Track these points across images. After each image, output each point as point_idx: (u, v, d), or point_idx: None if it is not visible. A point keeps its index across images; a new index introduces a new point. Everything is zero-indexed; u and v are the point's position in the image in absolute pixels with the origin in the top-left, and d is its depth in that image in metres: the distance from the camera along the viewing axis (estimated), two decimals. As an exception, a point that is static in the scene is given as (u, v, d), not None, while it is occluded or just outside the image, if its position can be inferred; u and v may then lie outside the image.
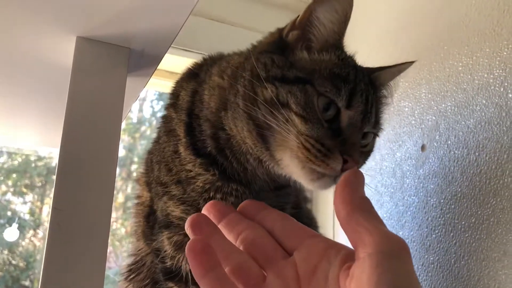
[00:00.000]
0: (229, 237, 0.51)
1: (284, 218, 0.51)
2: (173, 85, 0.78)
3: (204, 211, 0.53)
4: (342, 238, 0.69)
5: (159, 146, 0.75)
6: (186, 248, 0.47)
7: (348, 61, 0.62)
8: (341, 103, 0.57)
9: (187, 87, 0.73)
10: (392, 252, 0.38)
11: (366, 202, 0.44)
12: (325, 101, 0.57)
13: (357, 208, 0.43)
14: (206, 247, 0.47)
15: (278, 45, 0.64)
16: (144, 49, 0.65)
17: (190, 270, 0.71)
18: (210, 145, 0.67)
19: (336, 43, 0.62)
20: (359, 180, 0.46)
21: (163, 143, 0.73)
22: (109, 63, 0.62)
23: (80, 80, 0.61)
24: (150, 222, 0.79)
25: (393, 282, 0.36)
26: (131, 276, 0.83)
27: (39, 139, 1.13)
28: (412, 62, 0.72)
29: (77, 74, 0.61)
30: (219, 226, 0.52)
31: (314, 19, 0.61)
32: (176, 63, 1.15)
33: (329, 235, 1.21)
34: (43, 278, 0.53)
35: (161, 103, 2.57)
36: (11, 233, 1.99)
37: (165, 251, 0.72)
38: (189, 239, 0.70)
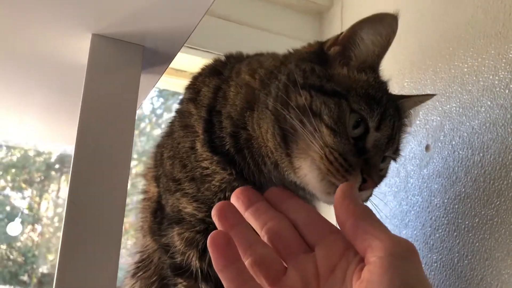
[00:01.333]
0: (255, 225, 0.52)
1: (308, 210, 0.51)
2: (193, 80, 0.78)
3: (233, 196, 0.54)
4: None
5: (173, 141, 0.74)
6: (208, 239, 0.47)
7: (382, 86, 0.63)
8: (372, 124, 0.58)
9: (210, 83, 0.73)
10: (402, 255, 0.39)
11: (368, 211, 0.45)
12: (356, 119, 0.58)
13: (361, 217, 0.44)
14: (227, 241, 0.47)
15: (318, 56, 0.65)
16: (158, 47, 0.66)
17: (200, 267, 0.72)
18: (228, 143, 0.67)
19: (373, 66, 0.63)
20: (355, 191, 0.47)
21: (178, 137, 0.73)
22: (123, 60, 0.63)
23: (95, 77, 0.61)
24: (158, 217, 0.79)
25: (405, 283, 0.37)
26: (139, 274, 0.83)
27: (48, 135, 1.14)
28: (433, 95, 0.79)
29: (92, 71, 0.61)
30: (246, 214, 0.52)
31: (357, 38, 0.62)
32: (180, 60, 1.16)
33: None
34: (58, 270, 0.54)
35: (161, 100, 2.57)
36: (14, 228, 1.99)
37: (175, 247, 0.73)
38: (200, 236, 0.71)
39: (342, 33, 0.63)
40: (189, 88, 0.77)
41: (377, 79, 0.63)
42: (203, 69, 0.78)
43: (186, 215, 0.70)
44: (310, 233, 0.49)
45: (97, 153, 0.60)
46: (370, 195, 0.63)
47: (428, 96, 0.75)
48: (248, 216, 0.52)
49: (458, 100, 0.87)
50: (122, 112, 0.62)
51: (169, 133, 0.78)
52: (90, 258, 0.56)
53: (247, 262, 0.47)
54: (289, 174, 0.61)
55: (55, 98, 0.87)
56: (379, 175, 0.62)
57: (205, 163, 0.67)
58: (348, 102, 0.57)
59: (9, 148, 2.29)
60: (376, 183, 0.59)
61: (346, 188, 0.47)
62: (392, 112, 0.61)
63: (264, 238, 0.50)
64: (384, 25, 0.61)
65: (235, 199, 0.53)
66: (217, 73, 0.75)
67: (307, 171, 0.57)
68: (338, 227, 0.49)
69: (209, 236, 0.48)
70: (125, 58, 0.63)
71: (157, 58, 0.69)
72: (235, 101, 0.68)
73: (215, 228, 0.70)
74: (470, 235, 0.80)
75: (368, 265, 0.40)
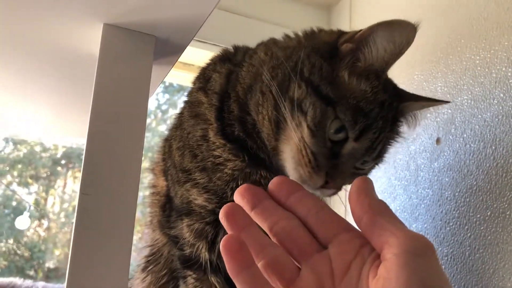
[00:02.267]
0: (263, 226, 0.50)
1: (319, 206, 0.50)
2: (202, 70, 0.78)
3: (237, 195, 0.52)
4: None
5: (182, 131, 0.74)
6: (221, 245, 0.46)
7: (378, 97, 0.61)
8: (351, 135, 0.59)
9: (221, 69, 0.73)
10: (418, 251, 0.39)
11: (384, 206, 0.44)
12: (338, 126, 0.59)
13: (378, 212, 0.43)
14: (241, 246, 0.46)
15: (331, 50, 0.64)
16: (169, 37, 0.65)
17: (209, 258, 0.72)
18: (237, 129, 0.67)
19: (378, 72, 0.62)
20: (371, 185, 0.47)
21: (187, 127, 0.73)
22: (135, 50, 0.63)
23: (107, 68, 0.61)
24: (166, 211, 0.79)
25: (423, 280, 0.37)
26: (149, 268, 0.83)
27: (57, 128, 1.14)
28: (446, 102, 0.77)
29: (104, 62, 0.61)
30: (252, 213, 0.51)
31: (371, 40, 0.61)
32: (187, 54, 1.15)
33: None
34: (71, 261, 0.54)
35: (167, 96, 2.57)
36: (22, 221, 2.00)
37: (184, 239, 0.72)
38: (209, 227, 0.71)
39: (359, 31, 0.62)
40: (198, 78, 0.77)
41: (375, 88, 0.61)
42: (212, 59, 0.78)
43: (196, 207, 0.70)
44: (322, 231, 0.48)
45: (109, 143, 0.59)
46: (334, 194, 0.63)
47: (439, 102, 0.73)
48: (254, 216, 0.51)
49: (469, 93, 0.86)
50: (134, 103, 0.62)
51: (177, 125, 0.78)
52: (102, 251, 0.56)
53: (259, 265, 0.47)
54: (277, 158, 0.64)
55: (65, 90, 0.86)
56: (354, 174, 0.63)
57: (217, 151, 0.67)
58: (335, 110, 0.59)
59: (15, 144, 2.30)
60: (338, 187, 0.61)
61: (361, 182, 0.46)
62: (382, 124, 0.60)
63: (274, 239, 0.49)
64: (400, 33, 0.59)
65: (240, 198, 0.52)
66: (228, 60, 0.75)
67: (286, 156, 0.61)
68: (350, 223, 0.48)
69: (221, 241, 0.47)
70: (137, 48, 0.63)
71: (169, 48, 0.68)
72: (245, 80, 0.68)
73: None
74: (481, 228, 0.79)
75: (385, 262, 0.40)
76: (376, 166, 0.69)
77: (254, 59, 0.69)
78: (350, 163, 0.60)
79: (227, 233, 0.71)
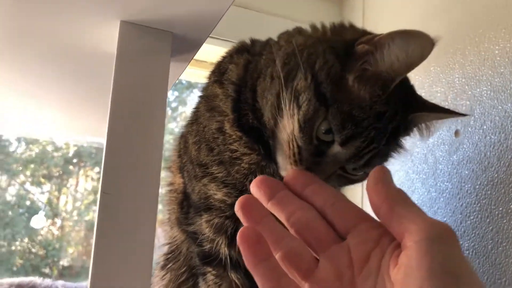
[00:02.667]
0: (280, 217, 0.50)
1: (336, 196, 0.50)
2: (217, 64, 0.77)
3: (253, 187, 0.52)
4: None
5: (198, 126, 0.74)
6: (238, 236, 0.46)
7: (376, 107, 0.58)
8: (337, 139, 0.58)
9: (238, 60, 0.73)
10: (439, 238, 0.38)
11: (403, 194, 0.44)
12: (327, 127, 0.58)
13: (396, 201, 0.43)
14: (258, 238, 0.46)
15: (347, 47, 0.62)
16: (186, 33, 0.65)
17: (228, 254, 0.71)
18: (251, 117, 0.67)
19: (385, 81, 0.58)
20: (388, 174, 0.46)
21: (203, 121, 0.73)
22: (152, 47, 0.62)
23: (125, 65, 0.61)
24: (184, 208, 0.79)
25: (446, 266, 0.36)
26: (168, 265, 0.83)
27: (74, 127, 1.14)
28: (464, 115, 0.74)
29: (122, 59, 0.60)
30: (269, 205, 0.50)
31: (386, 46, 0.58)
32: (200, 50, 1.15)
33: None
34: (94, 260, 0.54)
35: (176, 93, 2.58)
36: (38, 220, 2.02)
37: (203, 234, 0.72)
38: (229, 222, 0.71)
39: (380, 34, 0.60)
40: (213, 72, 0.77)
41: (376, 98, 0.58)
42: (228, 52, 0.78)
43: (216, 201, 0.70)
44: (340, 221, 0.48)
45: (129, 141, 0.59)
46: None
47: (455, 114, 0.67)
48: (271, 207, 0.50)
49: (489, 84, 0.84)
50: (153, 100, 0.61)
51: (193, 120, 0.78)
52: (124, 249, 0.56)
53: (277, 257, 0.46)
54: (273, 141, 0.64)
55: (81, 88, 0.87)
56: (327, 180, 0.60)
57: (234, 145, 0.67)
58: (327, 111, 0.57)
59: (27, 143, 2.32)
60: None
61: (378, 172, 0.46)
62: (373, 135, 0.58)
63: (291, 230, 0.48)
64: (416, 44, 0.55)
65: (256, 189, 0.52)
66: (246, 51, 0.75)
67: (278, 143, 0.62)
68: (368, 213, 0.48)
69: (238, 233, 0.46)
70: (154, 45, 0.62)
71: (186, 45, 0.68)
72: (262, 67, 0.68)
73: None
74: (504, 221, 0.78)
75: (405, 250, 0.39)
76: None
77: (274, 47, 0.68)
78: (333, 165, 0.59)
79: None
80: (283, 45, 0.67)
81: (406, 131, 0.65)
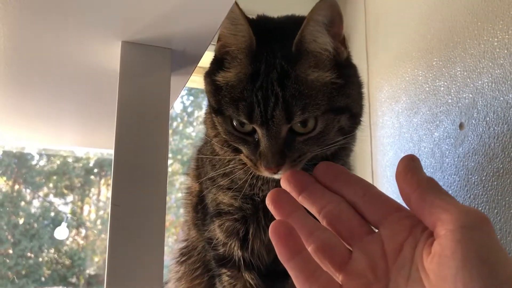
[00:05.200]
0: (311, 210, 0.50)
1: (366, 187, 0.49)
2: None
3: (283, 181, 0.52)
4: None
5: (206, 147, 0.80)
6: (269, 230, 0.46)
7: (241, 75, 0.61)
8: (246, 121, 0.59)
9: None
10: (474, 225, 0.37)
11: (433, 182, 0.43)
12: (237, 122, 0.61)
13: (426, 189, 0.42)
14: (290, 231, 0.46)
15: (214, 61, 0.67)
16: (185, 48, 0.68)
17: (242, 256, 0.74)
18: None
19: (243, 49, 0.61)
20: (417, 162, 0.45)
21: (207, 144, 0.78)
22: (153, 64, 0.65)
23: (128, 82, 0.64)
24: (199, 212, 0.83)
25: (481, 254, 0.35)
26: (183, 259, 0.87)
27: (85, 140, 1.18)
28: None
29: (125, 77, 0.63)
30: (300, 198, 0.50)
31: (221, 33, 0.63)
32: (206, 58, 1.17)
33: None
34: (107, 270, 0.57)
35: (191, 98, 2.61)
36: (61, 232, 2.07)
37: (217, 239, 0.76)
38: (239, 224, 0.74)
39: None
40: None
41: (238, 67, 0.61)
42: None
43: (225, 206, 0.74)
44: (372, 213, 0.47)
45: (136, 155, 0.62)
46: (295, 167, 0.60)
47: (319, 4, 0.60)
48: (302, 201, 0.50)
49: (490, 75, 0.85)
50: (156, 114, 0.64)
51: (204, 141, 0.83)
52: (136, 258, 0.59)
53: (310, 249, 0.46)
54: None
55: (91, 104, 0.90)
56: (307, 139, 0.60)
57: (231, 164, 0.70)
58: (223, 114, 0.62)
59: (49, 156, 2.37)
60: (277, 167, 0.58)
61: (407, 161, 0.45)
62: (263, 94, 0.58)
63: (323, 223, 0.48)
64: (229, 16, 0.60)
65: (286, 183, 0.52)
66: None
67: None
68: (399, 203, 0.47)
69: (270, 226, 0.46)
70: (154, 61, 0.65)
71: (185, 59, 0.70)
72: None
73: (253, 214, 0.73)
74: (511, 211, 0.78)
75: (439, 239, 0.38)
76: (330, 115, 0.62)
77: None
78: (271, 142, 0.58)
79: (257, 230, 0.74)
80: None
81: (298, 63, 0.60)
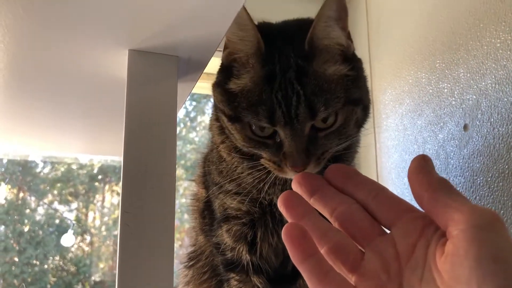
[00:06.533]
0: (323, 212, 0.50)
1: (378, 188, 0.49)
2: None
3: (294, 183, 0.52)
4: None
5: (212, 154, 0.80)
6: (282, 233, 0.46)
7: (257, 78, 0.61)
8: (267, 124, 0.60)
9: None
10: (486, 225, 0.37)
11: (445, 182, 0.43)
12: (256, 125, 0.61)
13: (439, 190, 0.42)
14: (303, 233, 0.46)
15: (221, 69, 0.68)
16: (191, 56, 0.68)
17: (250, 260, 0.75)
18: None
19: (254, 52, 0.62)
20: (429, 163, 0.45)
21: (213, 150, 0.79)
22: (160, 72, 0.66)
23: (135, 90, 0.64)
24: (206, 218, 0.84)
25: (494, 253, 0.35)
26: (191, 263, 0.88)
27: (84, 146, 1.19)
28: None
29: (132, 85, 0.64)
30: (311, 200, 0.50)
31: (228, 41, 0.64)
32: (211, 64, 1.18)
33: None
34: (119, 274, 0.57)
35: (194, 103, 2.62)
36: (67, 239, 2.07)
37: (225, 244, 0.76)
38: (246, 228, 0.74)
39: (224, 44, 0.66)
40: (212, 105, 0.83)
41: (252, 68, 0.62)
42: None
43: (232, 210, 0.75)
44: (384, 214, 0.47)
45: (144, 161, 0.63)
46: (317, 168, 0.61)
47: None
48: (314, 203, 0.50)
49: (493, 77, 0.85)
50: (164, 121, 0.65)
51: (210, 148, 0.84)
52: (146, 264, 0.59)
53: (323, 251, 0.46)
54: None
55: (99, 113, 0.91)
56: (326, 135, 0.61)
57: (238, 169, 0.72)
58: (241, 121, 0.62)
59: (53, 163, 2.38)
60: (304, 166, 0.59)
61: (419, 160, 0.45)
62: (282, 94, 0.58)
63: (335, 224, 0.48)
64: (236, 21, 0.60)
65: (297, 185, 0.52)
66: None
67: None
68: (411, 204, 0.47)
69: (283, 229, 0.47)
70: (161, 69, 0.66)
71: (191, 66, 0.71)
72: None
73: (260, 218, 0.74)
74: (517, 212, 0.79)
75: (451, 238, 0.38)
76: (348, 107, 0.63)
77: None
78: (295, 142, 0.59)
79: (265, 234, 0.74)
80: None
81: (313, 59, 0.62)
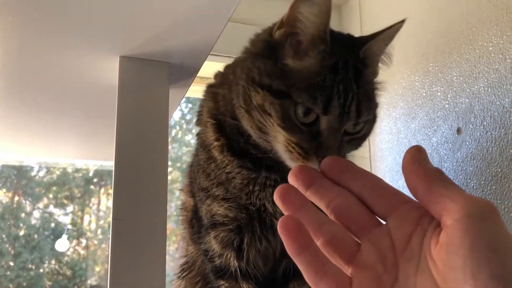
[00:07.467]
0: (319, 204, 0.50)
1: (373, 180, 0.48)
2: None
3: (291, 176, 0.52)
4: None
5: (198, 158, 0.79)
6: (278, 226, 0.46)
7: (326, 63, 0.62)
8: (319, 111, 0.60)
9: (207, 95, 0.78)
10: (480, 214, 0.37)
11: (440, 173, 0.42)
12: (304, 109, 0.60)
13: (433, 180, 0.41)
14: (298, 226, 0.46)
15: (268, 44, 0.67)
16: (183, 62, 0.68)
17: (238, 266, 0.75)
18: (242, 141, 0.71)
19: (321, 36, 0.63)
20: (423, 153, 0.45)
21: (199, 154, 0.78)
22: (151, 78, 0.66)
23: (127, 96, 0.64)
24: (194, 227, 0.84)
25: (488, 243, 0.35)
26: (183, 274, 0.88)
27: (78, 152, 1.19)
28: (403, 22, 0.72)
29: (124, 91, 0.64)
30: (307, 193, 0.50)
31: (298, 15, 0.63)
32: (204, 68, 1.18)
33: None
34: (110, 280, 0.57)
35: (189, 105, 2.62)
36: (61, 244, 2.07)
37: (213, 251, 0.76)
38: (233, 234, 0.74)
39: (284, 16, 0.64)
40: (196, 112, 0.82)
41: (321, 55, 0.62)
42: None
43: (219, 217, 0.74)
44: (380, 205, 0.47)
45: (136, 168, 0.63)
46: None
47: (397, 25, 0.70)
48: (310, 195, 0.50)
49: (485, 80, 0.86)
50: (155, 127, 0.65)
51: (195, 153, 0.83)
52: (138, 270, 0.59)
53: (319, 243, 0.46)
54: (276, 156, 0.67)
55: (89, 119, 0.91)
56: (352, 139, 0.64)
57: (228, 168, 0.71)
58: (291, 99, 0.61)
59: (48, 167, 2.37)
60: None
61: (414, 151, 0.44)
62: (342, 87, 0.60)
63: (331, 216, 0.48)
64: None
65: (294, 178, 0.52)
66: (210, 86, 0.79)
67: (281, 154, 0.65)
68: (407, 195, 0.47)
69: (279, 222, 0.46)
70: (152, 75, 0.66)
71: (183, 72, 0.71)
72: (225, 97, 0.73)
73: (247, 223, 0.74)
74: (511, 215, 0.79)
75: (446, 228, 0.38)
76: (372, 120, 0.68)
77: (228, 80, 0.73)
78: (334, 135, 0.60)
79: (252, 240, 0.74)
80: (231, 79, 0.72)
81: (366, 67, 0.67)
